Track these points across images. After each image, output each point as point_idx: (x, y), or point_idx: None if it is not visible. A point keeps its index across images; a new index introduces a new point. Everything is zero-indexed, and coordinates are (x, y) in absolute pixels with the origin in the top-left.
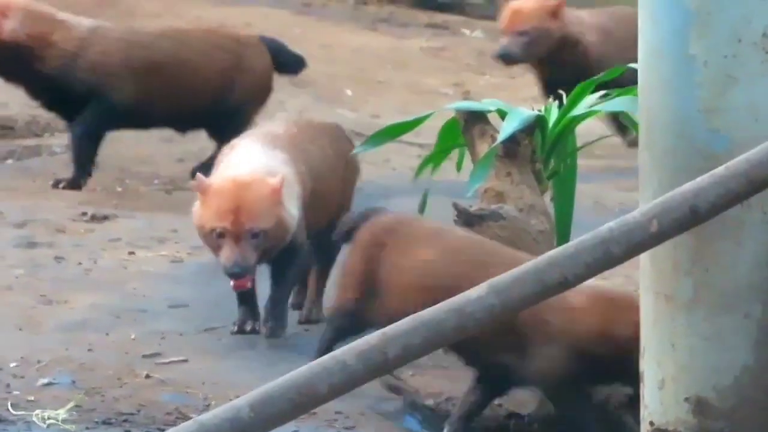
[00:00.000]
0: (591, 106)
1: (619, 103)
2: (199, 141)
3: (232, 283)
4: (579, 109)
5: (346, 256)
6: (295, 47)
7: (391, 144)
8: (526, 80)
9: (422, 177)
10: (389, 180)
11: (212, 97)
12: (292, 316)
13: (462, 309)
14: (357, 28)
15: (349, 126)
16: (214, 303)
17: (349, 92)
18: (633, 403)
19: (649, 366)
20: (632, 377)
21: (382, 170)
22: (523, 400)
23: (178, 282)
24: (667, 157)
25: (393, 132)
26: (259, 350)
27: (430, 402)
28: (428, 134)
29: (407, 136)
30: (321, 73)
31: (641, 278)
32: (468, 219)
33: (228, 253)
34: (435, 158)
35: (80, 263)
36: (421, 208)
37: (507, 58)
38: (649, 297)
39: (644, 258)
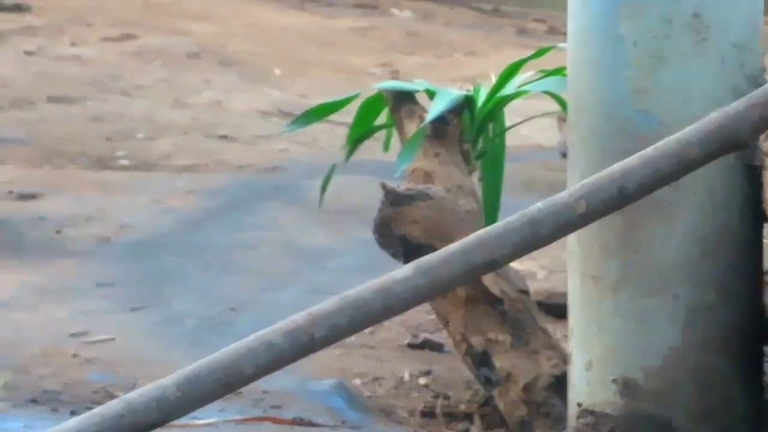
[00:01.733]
0: (520, 86)
1: (547, 83)
2: (128, 120)
3: None
4: (508, 89)
5: None
6: (221, 26)
7: (319, 124)
8: (455, 60)
9: (353, 156)
10: (317, 160)
11: None
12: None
13: (388, 289)
14: (284, 7)
15: (277, 105)
16: (141, 282)
17: (276, 71)
18: (560, 384)
19: (576, 347)
20: None
21: (310, 150)
22: (449, 381)
23: (106, 261)
24: (595, 137)
25: (321, 112)
26: (186, 330)
27: (357, 381)
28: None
29: (335, 116)
30: (247, 52)
31: (568, 259)
32: (396, 199)
33: None
34: (360, 136)
35: (7, 242)
36: (324, 185)
37: None
38: (576, 278)
39: (572, 239)
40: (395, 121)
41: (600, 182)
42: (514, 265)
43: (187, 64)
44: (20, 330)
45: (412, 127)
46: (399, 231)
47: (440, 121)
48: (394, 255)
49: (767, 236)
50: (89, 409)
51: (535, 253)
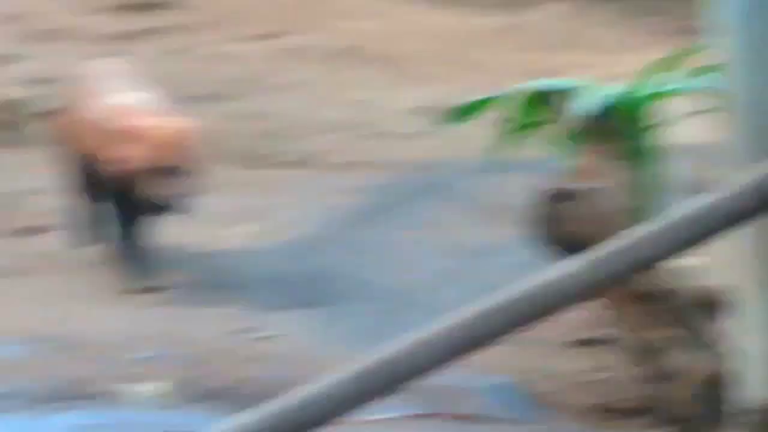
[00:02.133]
0: (676, 83)
1: (704, 80)
2: (283, 118)
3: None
4: (664, 87)
5: None
6: (374, 24)
7: (472, 122)
8: (610, 57)
9: (507, 154)
10: (470, 158)
11: None
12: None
13: (553, 285)
14: (436, 6)
15: (431, 103)
16: (307, 279)
17: (431, 69)
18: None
19: (751, 343)
20: None
21: (462, 148)
22: (619, 377)
23: (270, 258)
24: (753, 135)
25: (475, 109)
26: (352, 326)
27: (530, 378)
28: (509, 112)
29: (489, 114)
30: (402, 51)
31: (740, 254)
32: (556, 196)
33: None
34: (515, 134)
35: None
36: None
37: None
38: (745, 273)
39: (743, 234)
40: (550, 120)
41: (761, 178)
42: (681, 260)
43: (341, 62)
44: (190, 327)
45: (569, 124)
46: (560, 228)
47: (596, 118)
48: (555, 252)
49: None
50: (259, 404)
51: (700, 249)
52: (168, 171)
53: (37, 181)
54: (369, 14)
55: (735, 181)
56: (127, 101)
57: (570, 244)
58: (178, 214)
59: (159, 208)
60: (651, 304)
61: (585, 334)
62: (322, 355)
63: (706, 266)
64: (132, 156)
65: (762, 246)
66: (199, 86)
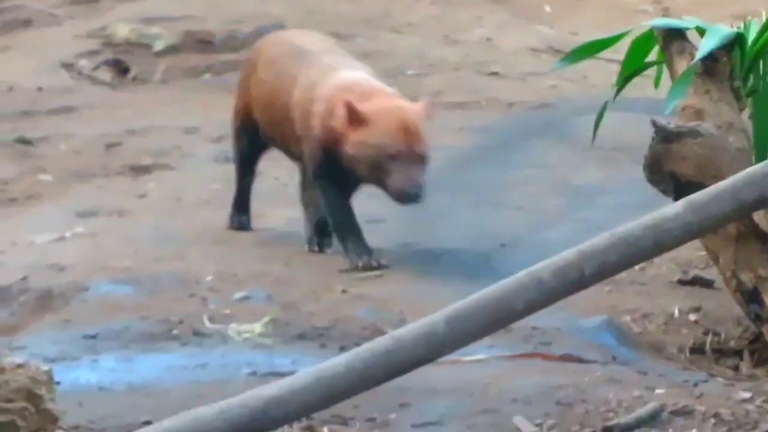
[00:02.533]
0: None
1: None
2: (399, 57)
3: None
4: None
5: None
6: None
7: (589, 61)
8: None
9: (623, 94)
10: (587, 97)
11: None
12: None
13: (659, 226)
14: None
15: (548, 42)
16: (411, 218)
17: (547, 8)
18: None
19: None
20: None
21: (580, 87)
22: (719, 317)
23: (375, 197)
24: None
25: (591, 49)
26: (456, 266)
27: (626, 318)
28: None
29: (606, 53)
30: None
31: None
32: (666, 136)
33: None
34: (630, 74)
35: (277, 178)
36: (597, 122)
37: None
38: None
39: None
40: (666, 59)
41: None
42: None
43: (458, 1)
44: (290, 266)
45: (682, 65)
46: (669, 168)
47: (711, 58)
48: (664, 192)
49: None
50: (357, 345)
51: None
52: (416, 157)
53: (149, 120)
54: None
55: None
56: (354, 78)
57: (679, 185)
58: (416, 202)
59: (407, 195)
60: (754, 244)
61: (685, 275)
62: (422, 294)
63: None
64: (380, 140)
65: None
66: (316, 25)
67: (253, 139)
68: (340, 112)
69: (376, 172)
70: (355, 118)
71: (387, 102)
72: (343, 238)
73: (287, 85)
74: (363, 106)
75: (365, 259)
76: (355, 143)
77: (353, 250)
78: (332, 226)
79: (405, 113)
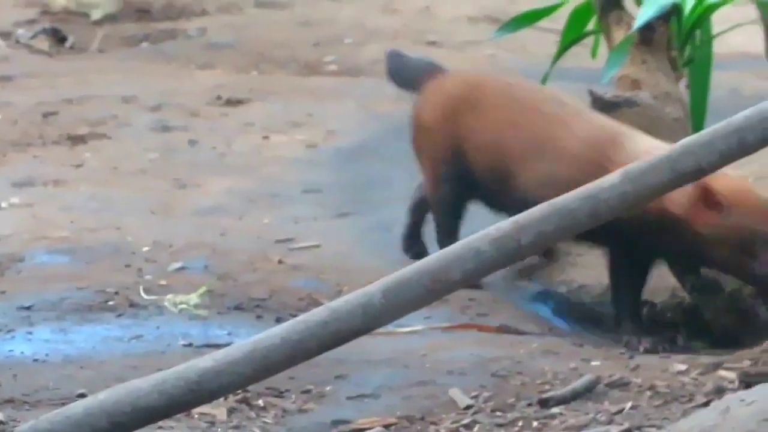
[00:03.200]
0: None
1: None
2: (337, 26)
3: None
4: None
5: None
6: None
7: (527, 30)
8: None
9: (557, 64)
10: (525, 66)
11: None
12: None
13: (595, 196)
14: None
15: (486, 11)
16: (348, 188)
17: None
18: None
19: None
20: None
21: (518, 56)
22: (655, 289)
23: (312, 167)
24: None
25: (530, 18)
26: (393, 236)
27: (562, 289)
28: (565, 21)
29: (544, 23)
30: None
31: None
32: (603, 105)
33: None
34: (569, 43)
35: (214, 147)
36: None
37: None
38: None
39: None
40: (603, 28)
41: None
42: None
43: None
44: (226, 237)
45: (619, 34)
46: None
47: (648, 28)
48: None
49: None
50: (294, 316)
51: (742, 161)
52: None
53: (86, 89)
54: None
55: None
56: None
57: None
58: None
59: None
60: None
61: None
62: (359, 265)
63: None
64: (751, 222)
65: None
66: None
67: (462, 185)
68: (686, 192)
69: (737, 256)
70: (711, 198)
71: (731, 180)
72: (623, 316)
73: (548, 134)
74: (715, 184)
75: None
76: (713, 224)
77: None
78: (615, 299)
79: (757, 193)
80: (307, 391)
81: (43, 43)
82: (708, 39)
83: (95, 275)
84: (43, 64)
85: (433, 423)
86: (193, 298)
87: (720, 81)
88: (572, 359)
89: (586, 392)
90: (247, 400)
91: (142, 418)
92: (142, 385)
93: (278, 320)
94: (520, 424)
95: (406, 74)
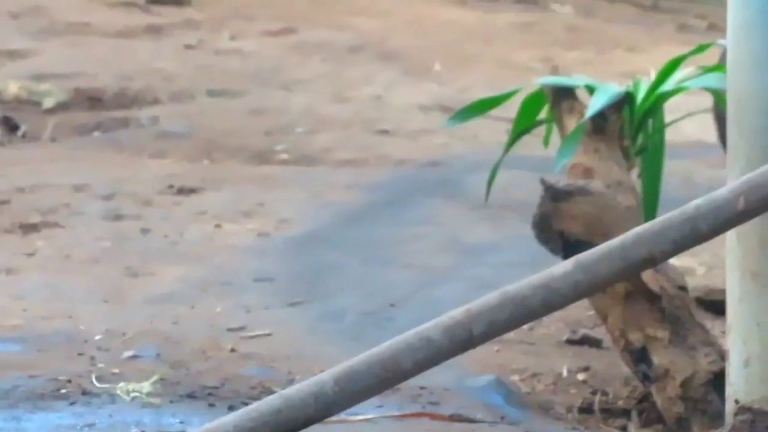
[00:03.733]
0: (680, 82)
1: (708, 79)
2: (288, 114)
3: None
4: (668, 85)
5: None
6: (382, 21)
7: (480, 119)
8: (615, 55)
9: (513, 152)
10: (478, 155)
11: None
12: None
13: (548, 285)
14: (445, 2)
15: (438, 100)
16: (299, 277)
17: (437, 66)
18: (718, 381)
19: (734, 344)
20: None
21: (470, 145)
22: (608, 377)
23: (264, 256)
24: (755, 134)
25: (481, 107)
26: (345, 325)
27: (515, 378)
28: (517, 109)
29: (495, 111)
30: (409, 47)
31: (728, 255)
32: (555, 194)
33: None
34: (520, 132)
35: (167, 236)
36: (490, 180)
37: None
38: (735, 274)
39: (731, 235)
40: (555, 117)
41: (760, 179)
42: (673, 261)
43: (348, 58)
44: (178, 325)
45: (571, 123)
46: (558, 226)
47: (600, 116)
48: (553, 251)
49: None
50: (247, 404)
51: (694, 250)
52: None
53: (38, 178)
54: (378, 11)
55: (732, 181)
56: None
57: (568, 243)
58: None
59: None
60: (642, 304)
61: (574, 334)
62: (311, 353)
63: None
64: None
65: (746, 248)
66: (206, 82)
67: None
68: None
69: None
70: None
71: None
72: None
73: None
74: None
75: None
76: None
77: None
78: None
79: None
80: None
81: None
82: (660, 127)
83: (48, 363)
84: None
85: None
86: (146, 386)
87: (672, 169)
88: None
89: None
90: None
91: None
92: None
93: (231, 408)
94: None
95: None
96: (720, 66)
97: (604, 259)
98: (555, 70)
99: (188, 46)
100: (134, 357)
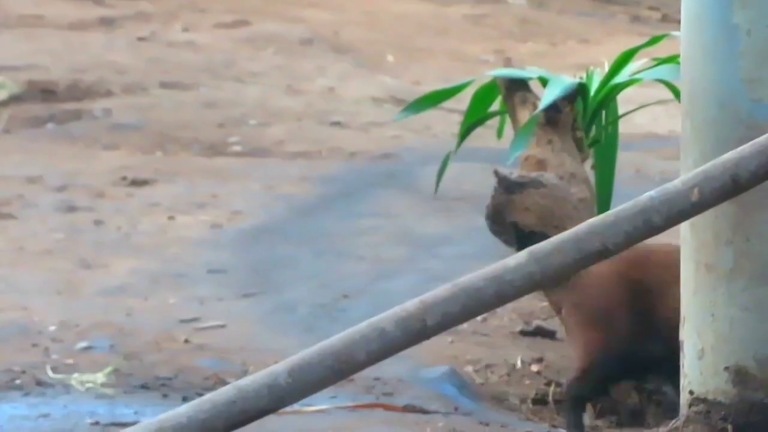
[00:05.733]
0: (633, 74)
1: (661, 71)
2: (241, 107)
3: None
4: (621, 77)
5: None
6: (335, 13)
7: (432, 111)
8: (568, 48)
9: (465, 144)
10: (430, 147)
11: None
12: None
13: (501, 276)
14: None
15: (390, 92)
16: (252, 269)
17: (390, 58)
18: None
19: (689, 335)
20: None
21: (423, 137)
22: (561, 368)
23: (217, 247)
24: (708, 126)
25: (434, 99)
26: (299, 317)
27: (468, 369)
28: (469, 101)
29: (448, 103)
30: (362, 40)
31: (682, 247)
32: (508, 186)
33: None
34: (472, 124)
35: (120, 228)
36: (440, 172)
37: None
38: (689, 266)
39: (685, 227)
40: (508, 109)
41: (713, 170)
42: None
43: (300, 50)
44: (132, 316)
45: (525, 115)
46: (511, 218)
47: (553, 108)
48: (506, 242)
49: None
50: (200, 395)
51: (646, 242)
52: None
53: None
54: (330, 4)
55: (685, 173)
56: None
57: (521, 235)
58: None
59: None
60: None
61: (527, 326)
62: (265, 345)
63: None
64: None
65: (700, 241)
66: (159, 75)
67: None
68: None
69: None
70: None
71: None
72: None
73: None
74: None
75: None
76: None
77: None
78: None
79: None
80: None
81: None
82: (614, 119)
83: (2, 355)
84: None
85: None
86: (100, 376)
87: (625, 161)
88: None
89: None
90: None
91: None
92: None
93: (185, 399)
94: None
95: None
96: (673, 58)
97: (557, 251)
98: (508, 62)
99: (141, 39)
100: (88, 348)
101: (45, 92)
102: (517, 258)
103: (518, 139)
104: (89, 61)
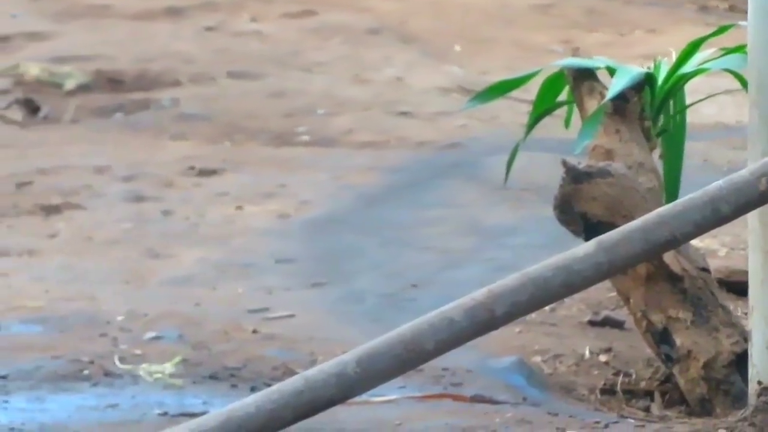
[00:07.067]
0: (700, 64)
1: (728, 60)
2: (308, 96)
3: None
4: (688, 67)
5: None
6: (402, 3)
7: (499, 101)
8: (635, 37)
9: (533, 133)
10: (497, 137)
11: None
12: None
13: (569, 266)
14: None
15: (457, 82)
16: (320, 259)
17: (457, 48)
18: (741, 362)
19: (757, 325)
20: None
21: (490, 127)
22: (630, 358)
23: (285, 237)
24: None
25: (501, 88)
26: (366, 306)
27: (536, 359)
28: (537, 91)
29: (516, 93)
30: (429, 29)
31: (750, 237)
32: (576, 176)
33: None
34: (541, 114)
35: (187, 218)
36: (510, 162)
37: None
38: (757, 256)
39: (752, 216)
40: (576, 99)
41: None
42: (695, 242)
43: (367, 40)
44: (200, 306)
45: (592, 104)
46: (579, 208)
47: (621, 98)
48: (574, 232)
49: None
50: (268, 385)
51: (715, 231)
52: None
53: (60, 159)
54: None
55: (752, 163)
56: None
57: (589, 225)
58: None
59: None
60: (664, 285)
61: (596, 316)
62: (333, 335)
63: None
64: None
65: (765, 231)
66: (226, 64)
67: None
68: None
69: None
70: None
71: None
72: None
73: None
74: None
75: None
76: None
77: None
78: None
79: None
80: None
81: (16, 114)
82: (681, 109)
83: (69, 344)
84: (16, 135)
85: None
86: (168, 367)
87: (693, 151)
88: (546, 428)
89: None
90: None
91: None
92: None
93: (253, 389)
94: None
95: None
96: (741, 47)
97: (625, 241)
98: (576, 52)
99: (208, 28)
100: (156, 338)
101: (112, 82)
102: (586, 248)
103: (586, 129)
104: (156, 50)
